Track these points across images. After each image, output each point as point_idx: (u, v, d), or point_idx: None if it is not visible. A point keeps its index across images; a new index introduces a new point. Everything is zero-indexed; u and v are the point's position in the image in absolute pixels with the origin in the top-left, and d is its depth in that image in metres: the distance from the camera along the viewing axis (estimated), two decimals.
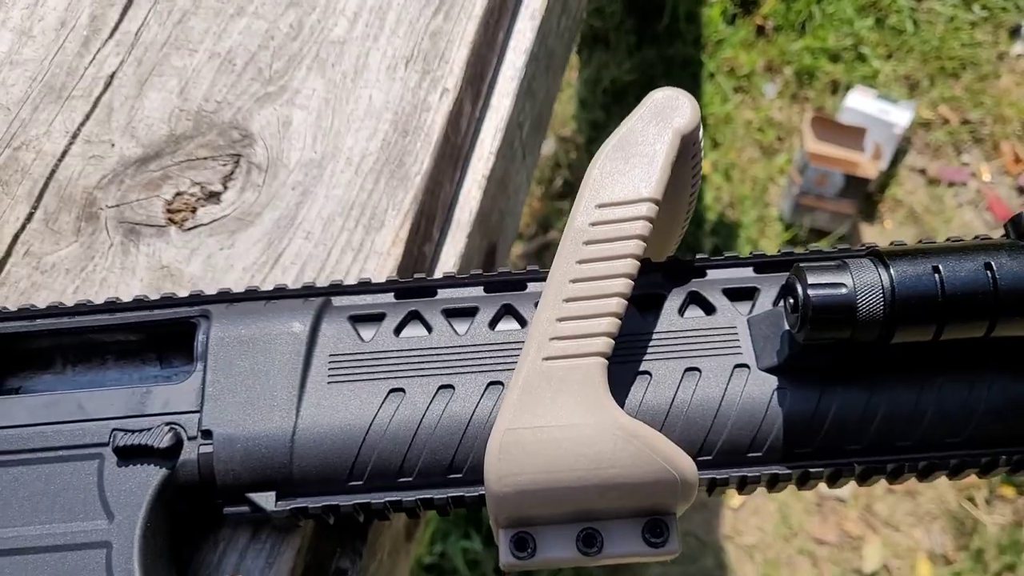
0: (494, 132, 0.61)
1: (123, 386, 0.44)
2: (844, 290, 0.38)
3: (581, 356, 0.39)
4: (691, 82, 2.37)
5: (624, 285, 0.39)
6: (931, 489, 1.92)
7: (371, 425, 0.42)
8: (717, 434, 0.41)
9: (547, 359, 0.39)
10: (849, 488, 1.95)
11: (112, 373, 0.46)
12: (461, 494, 0.42)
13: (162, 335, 0.46)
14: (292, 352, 0.44)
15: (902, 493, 1.93)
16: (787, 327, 0.41)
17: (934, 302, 0.38)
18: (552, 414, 0.38)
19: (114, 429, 0.43)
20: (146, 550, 0.41)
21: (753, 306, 0.44)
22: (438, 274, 0.51)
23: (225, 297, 0.46)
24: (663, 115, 0.41)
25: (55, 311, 0.45)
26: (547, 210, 2.25)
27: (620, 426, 0.38)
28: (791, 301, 0.40)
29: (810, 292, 0.38)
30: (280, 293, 0.46)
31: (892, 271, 0.38)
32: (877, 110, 2.21)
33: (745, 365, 0.42)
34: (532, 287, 0.46)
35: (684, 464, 0.38)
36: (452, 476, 0.42)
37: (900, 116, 2.19)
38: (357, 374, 0.44)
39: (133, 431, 0.42)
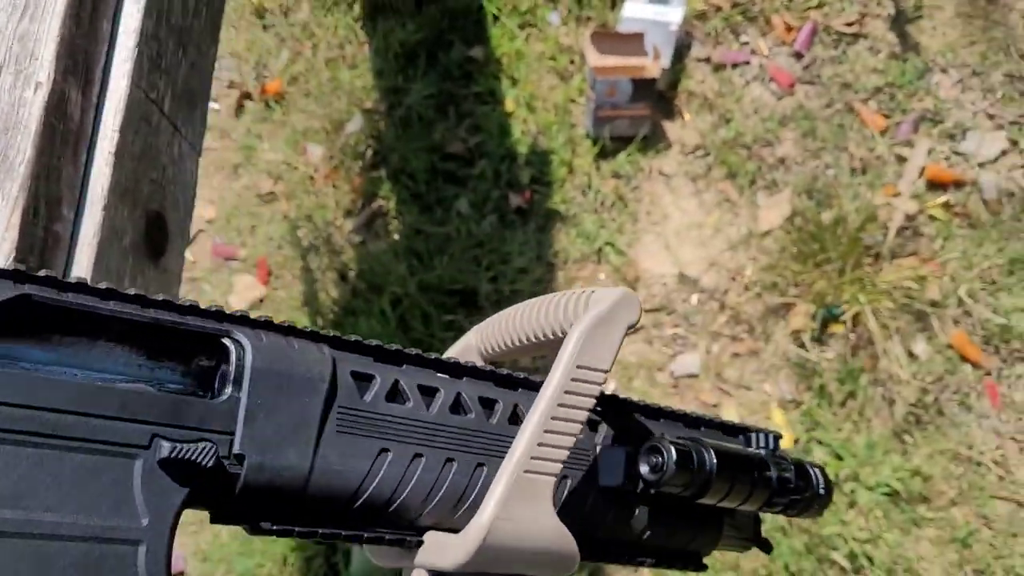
0: (115, 112, 0.67)
1: (159, 390, 0.46)
2: (704, 470, 0.60)
3: (547, 475, 0.55)
4: (476, 28, 2.45)
5: (581, 429, 0.56)
6: (771, 345, 2.07)
7: (364, 478, 0.51)
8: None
9: (527, 472, 0.54)
10: (700, 363, 2.08)
11: (116, 362, 0.46)
12: (402, 537, 0.55)
13: (178, 342, 0.48)
14: (316, 398, 0.49)
15: (746, 355, 2.07)
16: (643, 471, 0.59)
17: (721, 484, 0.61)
18: (531, 515, 0.55)
19: (155, 435, 0.44)
20: (170, 551, 0.45)
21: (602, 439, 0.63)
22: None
23: (249, 322, 0.49)
24: (624, 310, 0.58)
25: (84, 288, 0.44)
26: (367, 182, 2.32)
27: (558, 527, 0.56)
28: (656, 459, 0.59)
29: (675, 462, 0.58)
30: (295, 331, 0.51)
31: (714, 460, 0.60)
32: (652, 13, 2.32)
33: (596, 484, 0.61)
34: (470, 376, 0.59)
35: (574, 550, 0.58)
36: (410, 523, 0.55)
37: (673, 14, 2.31)
38: (358, 429, 0.51)
39: (178, 443, 0.44)
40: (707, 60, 2.39)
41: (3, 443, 0.40)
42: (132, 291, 0.45)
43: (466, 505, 0.56)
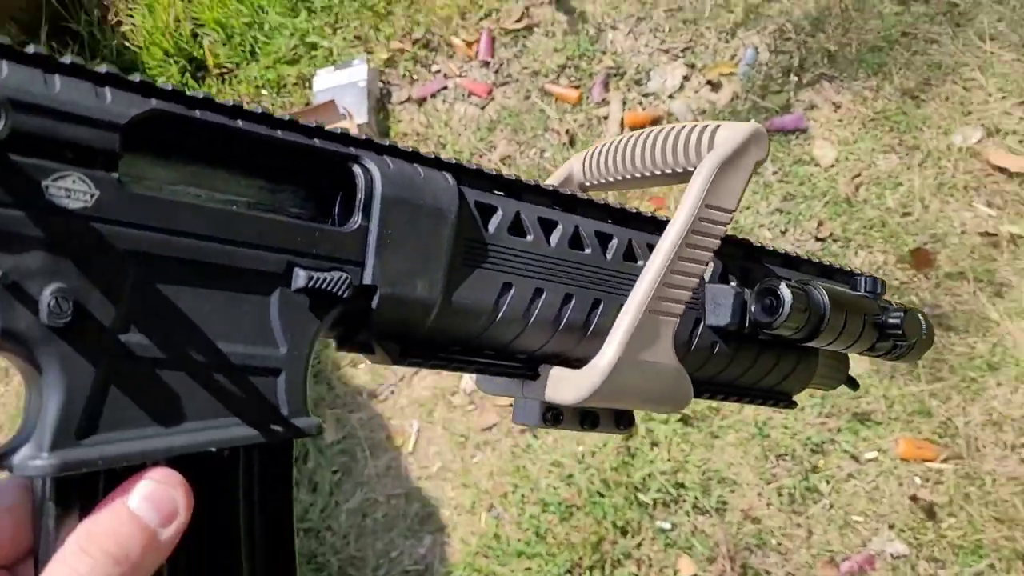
0: None
1: (293, 218, 0.45)
2: (818, 313, 0.58)
3: (669, 315, 0.54)
4: None
5: (703, 270, 0.55)
6: None
7: (489, 313, 0.51)
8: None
9: (651, 312, 0.53)
10: None
11: (240, 183, 0.45)
12: (523, 370, 0.56)
13: (302, 166, 0.46)
14: (443, 229, 0.48)
15: None
16: (756, 313, 0.58)
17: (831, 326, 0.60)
18: (650, 355, 0.54)
19: (291, 263, 0.43)
20: (307, 379, 0.45)
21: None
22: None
23: (375, 147, 0.47)
24: (752, 149, 0.55)
25: (211, 103, 0.42)
26: None
27: (678, 368, 0.56)
28: (770, 300, 0.58)
29: (790, 305, 0.57)
30: (420, 158, 0.49)
31: (828, 304, 0.59)
32: (339, 78, 2.44)
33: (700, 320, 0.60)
34: (584, 210, 0.57)
35: (690, 388, 0.57)
36: (529, 356, 0.56)
37: (358, 72, 2.43)
38: (483, 262, 0.50)
39: (315, 272, 0.43)
40: (409, 99, 2.50)
41: (147, 267, 0.39)
42: (258, 109, 0.43)
43: (583, 340, 0.55)
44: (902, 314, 0.64)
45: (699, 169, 0.55)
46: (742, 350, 0.63)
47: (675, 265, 0.54)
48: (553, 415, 0.58)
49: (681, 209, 0.54)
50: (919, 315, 0.66)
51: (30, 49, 0.37)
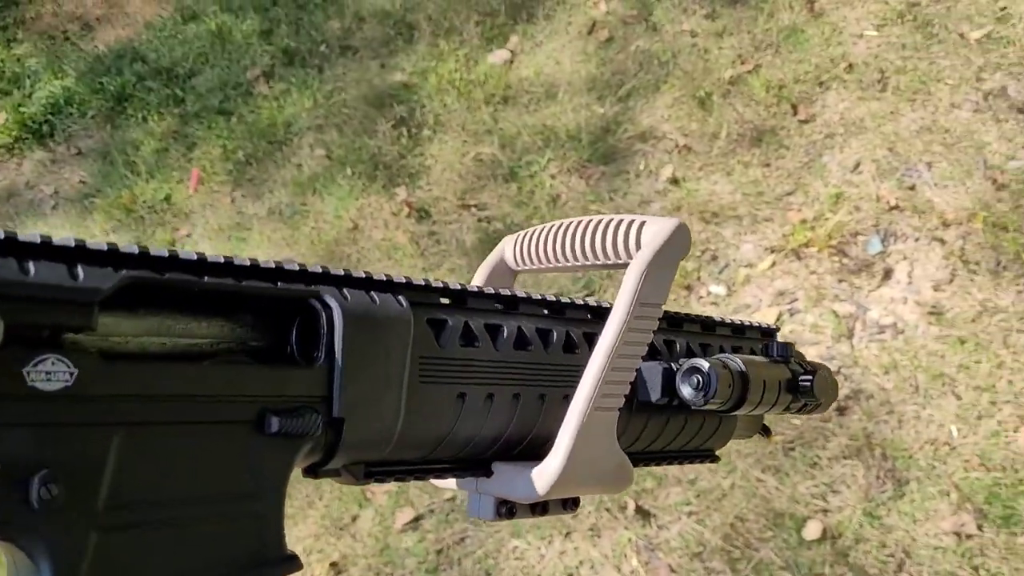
0: None
1: (255, 357, 0.46)
2: (742, 387, 0.62)
3: (611, 409, 0.57)
4: None
5: (638, 364, 0.58)
6: None
7: (447, 424, 0.53)
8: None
9: (595, 409, 0.56)
10: None
11: (200, 327, 0.45)
12: (476, 472, 0.58)
13: (264, 302, 0.47)
14: (400, 353, 0.49)
15: None
16: (685, 392, 0.61)
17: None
18: (599, 447, 0.57)
19: (263, 409, 0.44)
20: (283, 518, 0.46)
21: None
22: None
23: (332, 279, 0.49)
24: (677, 246, 0.58)
25: (177, 261, 0.43)
26: None
27: (621, 455, 0.59)
28: (697, 379, 0.60)
29: (717, 383, 0.60)
30: (374, 284, 0.50)
31: (750, 377, 0.62)
32: None
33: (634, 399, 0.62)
34: (525, 308, 0.59)
35: (631, 470, 0.61)
36: (481, 457, 0.58)
37: None
38: (438, 377, 0.52)
39: (287, 415, 0.44)
40: None
41: (128, 436, 0.39)
42: (219, 258, 0.44)
43: (531, 435, 0.59)
44: (811, 377, 0.69)
45: (629, 271, 0.58)
46: (672, 420, 0.67)
47: (613, 363, 0.57)
48: (507, 509, 0.61)
49: (615, 312, 0.57)
50: (825, 374, 0.71)
51: None
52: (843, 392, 2.00)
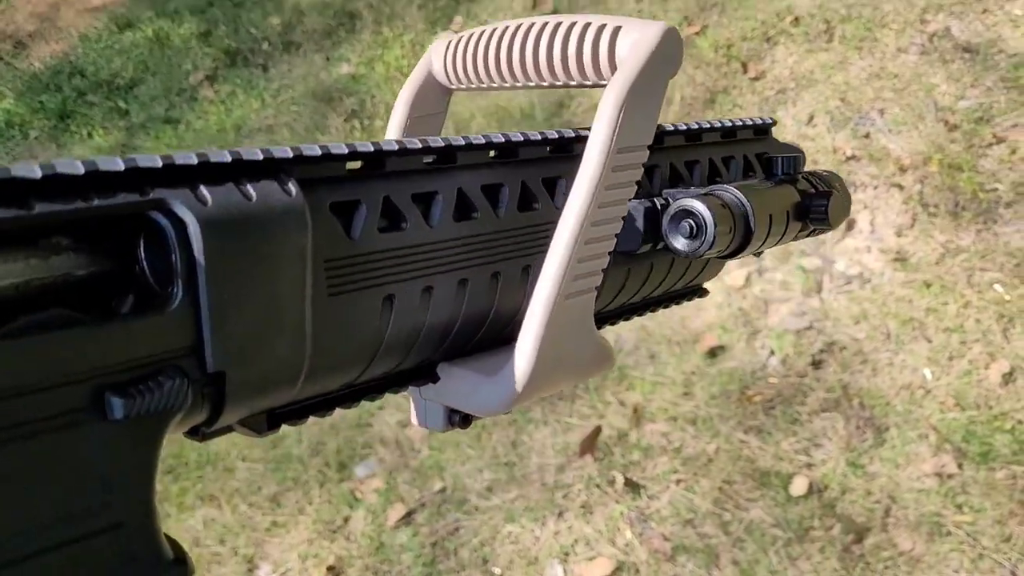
0: None
1: (81, 327, 0.30)
2: (744, 225, 0.49)
3: (586, 292, 0.44)
4: None
5: (618, 228, 0.44)
6: None
7: (373, 339, 0.40)
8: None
9: (565, 298, 0.43)
10: None
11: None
12: (423, 381, 0.45)
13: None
14: (295, 263, 0.35)
15: None
16: (677, 243, 0.47)
17: None
18: (572, 339, 0.45)
19: (99, 387, 0.31)
20: (157, 517, 0.33)
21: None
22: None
23: (181, 173, 0.33)
24: (665, 62, 0.43)
25: None
26: None
27: (600, 339, 0.47)
28: (689, 224, 0.47)
29: (715, 228, 0.46)
30: (243, 167, 0.34)
31: (752, 212, 0.49)
32: None
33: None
34: (464, 158, 0.43)
35: (611, 351, 0.49)
36: (428, 362, 0.45)
37: None
38: (352, 283, 0.38)
39: (135, 390, 0.31)
40: None
41: None
42: (8, 171, 0.28)
43: (486, 324, 0.46)
44: (826, 201, 0.55)
45: (602, 103, 0.43)
46: (656, 264, 0.54)
47: (587, 232, 0.43)
48: (461, 417, 0.49)
49: (586, 163, 0.43)
50: (840, 190, 0.57)
51: None
52: (817, 346, 2.03)
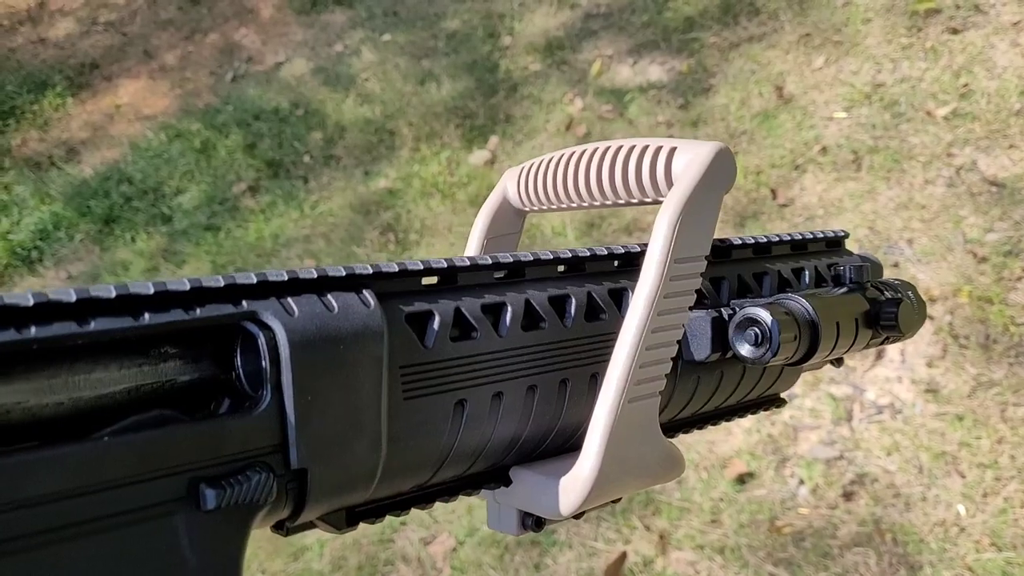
0: None
1: (182, 425, 0.34)
2: (811, 333, 0.50)
3: (649, 397, 0.45)
4: None
5: (679, 334, 0.46)
6: None
7: (445, 442, 0.42)
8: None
9: (630, 402, 0.44)
10: None
11: (105, 373, 0.34)
12: (493, 485, 0.47)
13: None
14: (373, 369, 0.38)
15: None
16: (743, 350, 0.49)
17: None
18: (637, 443, 0.46)
19: (194, 480, 0.33)
20: None
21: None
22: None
23: (271, 288, 0.37)
24: (719, 178, 0.46)
25: (47, 306, 0.31)
26: None
27: (667, 444, 0.48)
28: (755, 332, 0.48)
29: (779, 335, 0.48)
30: (328, 283, 0.38)
31: (818, 321, 0.50)
32: None
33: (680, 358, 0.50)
34: (532, 273, 0.46)
35: (681, 458, 0.50)
36: (497, 466, 0.46)
37: None
38: (426, 388, 0.41)
39: (227, 482, 0.34)
40: None
41: (8, 559, 0.29)
42: (112, 290, 0.32)
43: (555, 430, 0.47)
44: (895, 308, 0.55)
45: (659, 217, 0.45)
46: (727, 374, 0.55)
47: (648, 340, 0.45)
48: (534, 520, 0.50)
49: (646, 272, 0.45)
50: (911, 297, 0.58)
51: None
52: (847, 477, 2.00)
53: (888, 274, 2.33)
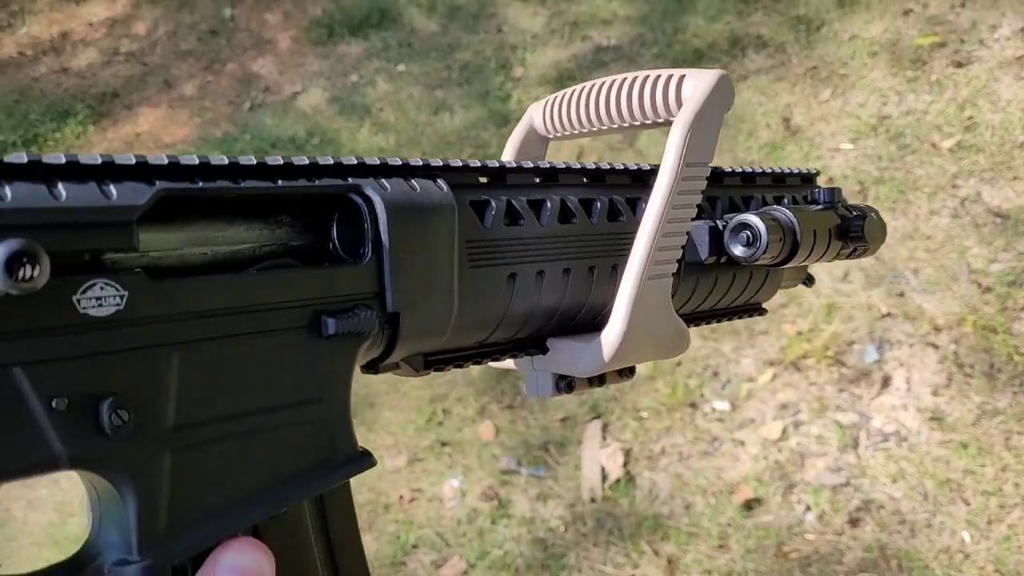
0: None
1: (306, 269, 0.45)
2: (792, 239, 0.62)
3: (664, 276, 0.57)
4: None
5: (688, 227, 0.57)
6: None
7: (500, 306, 0.53)
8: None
9: (649, 278, 0.56)
10: None
11: (239, 231, 0.44)
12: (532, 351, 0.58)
13: (302, 200, 0.46)
14: (447, 239, 0.49)
15: None
16: (736, 249, 0.60)
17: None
18: (655, 315, 0.57)
19: (316, 312, 0.44)
20: (349, 411, 0.46)
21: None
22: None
23: (370, 170, 0.47)
24: (721, 98, 0.57)
25: (209, 168, 0.41)
26: None
27: (676, 320, 0.59)
28: (747, 234, 0.60)
29: (767, 237, 0.59)
30: (412, 170, 0.49)
31: (799, 227, 0.62)
32: None
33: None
34: (564, 179, 0.58)
35: (687, 334, 0.61)
36: (537, 334, 0.58)
37: None
38: (486, 260, 0.52)
39: (342, 315, 0.44)
40: None
41: (186, 353, 0.39)
42: (253, 159, 0.43)
43: (584, 308, 0.58)
44: (862, 221, 0.67)
45: (673, 130, 0.56)
46: (720, 278, 0.66)
47: (664, 228, 0.56)
48: (566, 384, 0.60)
49: (663, 174, 0.56)
50: (874, 216, 0.69)
51: (22, 158, 0.35)
52: (853, 503, 2.03)
53: (894, 303, 2.36)
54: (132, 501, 0.38)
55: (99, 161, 0.37)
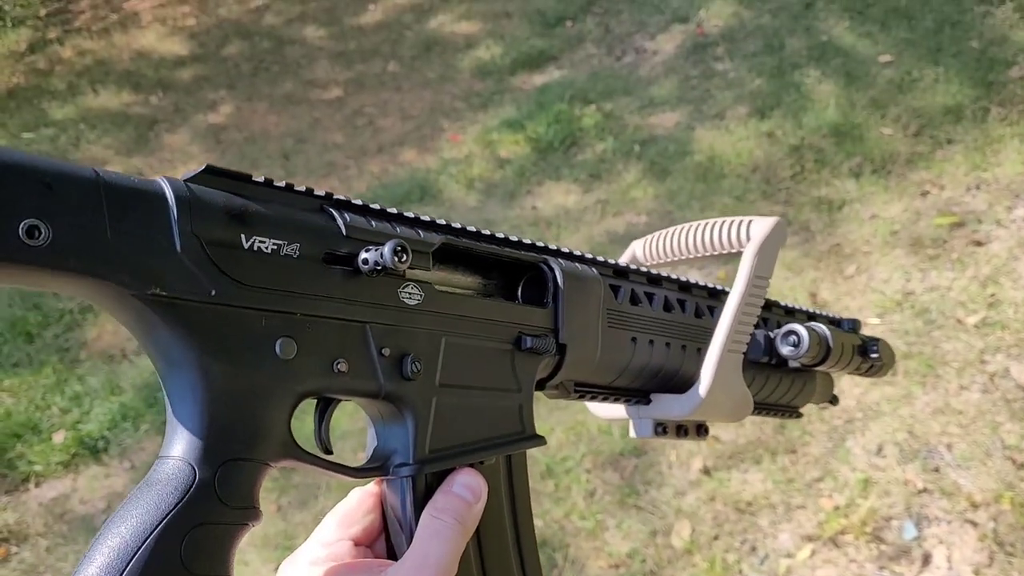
0: None
1: (519, 305, 0.70)
2: (826, 345, 0.89)
3: (738, 352, 0.81)
4: None
5: (755, 319, 0.82)
6: None
7: (624, 359, 0.77)
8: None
9: (728, 351, 0.79)
10: None
11: (466, 280, 0.70)
12: (640, 399, 0.84)
13: (507, 263, 0.72)
14: (596, 303, 0.74)
15: None
16: (783, 349, 0.87)
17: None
18: (730, 380, 0.80)
19: (520, 332, 0.68)
20: (532, 404, 0.69)
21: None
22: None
23: (551, 252, 0.73)
24: (778, 235, 0.83)
25: (465, 232, 0.67)
26: None
27: (745, 389, 0.83)
28: (793, 339, 0.86)
29: (808, 341, 0.86)
30: (577, 258, 0.75)
31: (831, 338, 0.89)
32: None
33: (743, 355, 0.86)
34: (666, 284, 0.84)
35: (751, 404, 0.85)
36: (643, 388, 0.82)
37: None
38: (618, 324, 0.76)
39: (534, 337, 0.69)
40: None
41: (448, 338, 0.64)
42: (486, 231, 0.68)
43: (676, 374, 0.82)
44: (877, 343, 0.94)
45: (745, 255, 0.81)
46: (771, 376, 0.90)
47: (739, 317, 0.80)
48: (662, 428, 0.83)
49: (739, 280, 0.81)
50: (887, 343, 0.95)
51: (394, 209, 0.62)
52: None
53: (929, 478, 2.38)
54: (412, 426, 0.62)
55: (412, 215, 0.63)
